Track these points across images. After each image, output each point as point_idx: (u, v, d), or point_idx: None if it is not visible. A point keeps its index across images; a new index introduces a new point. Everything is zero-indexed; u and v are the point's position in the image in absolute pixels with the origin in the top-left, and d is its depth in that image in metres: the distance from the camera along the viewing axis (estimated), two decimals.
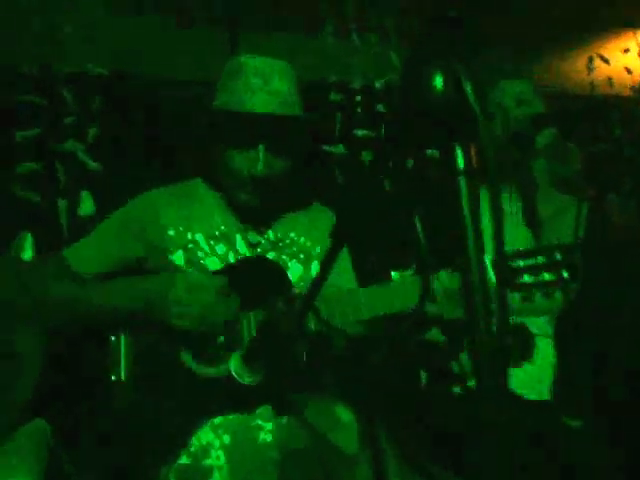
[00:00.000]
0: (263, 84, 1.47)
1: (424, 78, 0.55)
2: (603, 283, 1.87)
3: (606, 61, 2.93)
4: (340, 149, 2.59)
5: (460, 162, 0.57)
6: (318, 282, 0.89)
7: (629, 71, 2.94)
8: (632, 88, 2.92)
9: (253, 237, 1.57)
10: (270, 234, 1.59)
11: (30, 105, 2.33)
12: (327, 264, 0.84)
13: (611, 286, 1.90)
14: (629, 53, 2.95)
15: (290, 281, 1.46)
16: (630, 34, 2.94)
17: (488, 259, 1.27)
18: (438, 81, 0.55)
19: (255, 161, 1.46)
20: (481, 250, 0.55)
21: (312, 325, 1.17)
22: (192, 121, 1.60)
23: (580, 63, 2.93)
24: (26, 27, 2.38)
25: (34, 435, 1.42)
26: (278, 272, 1.46)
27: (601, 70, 2.92)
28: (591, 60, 2.93)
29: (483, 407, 0.55)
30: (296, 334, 1.11)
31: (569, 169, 1.97)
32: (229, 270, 1.47)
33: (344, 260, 1.64)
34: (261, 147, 1.46)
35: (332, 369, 1.28)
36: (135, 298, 1.40)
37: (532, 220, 1.84)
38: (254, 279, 1.44)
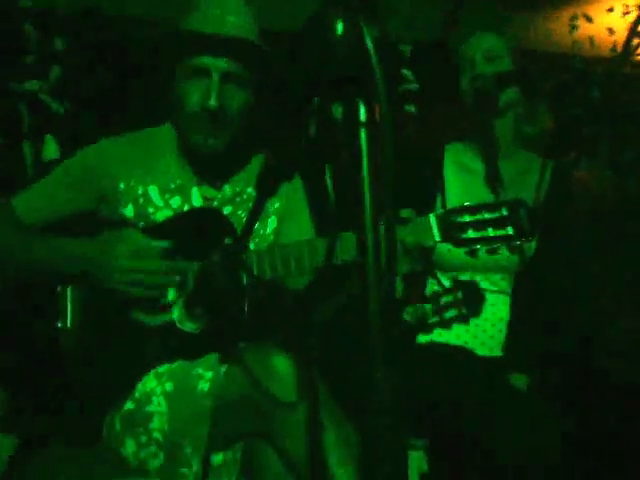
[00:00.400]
0: (220, 15, 1.44)
1: (326, 24, 0.53)
2: (563, 244, 1.88)
3: (590, 20, 2.86)
4: (315, 101, 2.52)
5: (362, 114, 0.55)
6: (246, 234, 0.88)
7: (611, 31, 2.88)
8: (613, 49, 2.87)
9: (209, 192, 1.55)
10: (227, 189, 1.56)
11: None
12: (253, 216, 0.83)
13: (571, 247, 1.91)
14: (613, 12, 2.88)
15: (236, 235, 1.45)
16: None
17: (432, 215, 1.27)
18: (339, 28, 0.53)
19: (208, 92, 1.43)
20: (378, 206, 0.54)
21: (250, 278, 1.17)
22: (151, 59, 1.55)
23: (563, 21, 2.87)
24: None
25: None
26: (226, 225, 1.44)
27: (583, 29, 2.86)
28: (574, 18, 2.86)
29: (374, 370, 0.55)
30: (229, 285, 1.11)
31: (535, 128, 1.94)
32: (178, 219, 1.46)
33: (301, 211, 1.62)
34: (214, 74, 1.43)
35: (274, 320, 1.29)
36: (74, 262, 1.39)
37: (493, 179, 1.82)
38: (201, 230, 1.43)
